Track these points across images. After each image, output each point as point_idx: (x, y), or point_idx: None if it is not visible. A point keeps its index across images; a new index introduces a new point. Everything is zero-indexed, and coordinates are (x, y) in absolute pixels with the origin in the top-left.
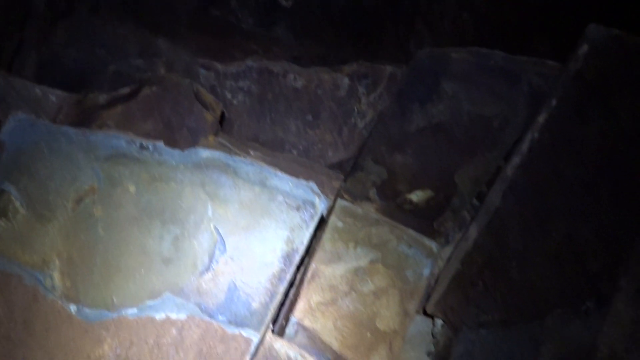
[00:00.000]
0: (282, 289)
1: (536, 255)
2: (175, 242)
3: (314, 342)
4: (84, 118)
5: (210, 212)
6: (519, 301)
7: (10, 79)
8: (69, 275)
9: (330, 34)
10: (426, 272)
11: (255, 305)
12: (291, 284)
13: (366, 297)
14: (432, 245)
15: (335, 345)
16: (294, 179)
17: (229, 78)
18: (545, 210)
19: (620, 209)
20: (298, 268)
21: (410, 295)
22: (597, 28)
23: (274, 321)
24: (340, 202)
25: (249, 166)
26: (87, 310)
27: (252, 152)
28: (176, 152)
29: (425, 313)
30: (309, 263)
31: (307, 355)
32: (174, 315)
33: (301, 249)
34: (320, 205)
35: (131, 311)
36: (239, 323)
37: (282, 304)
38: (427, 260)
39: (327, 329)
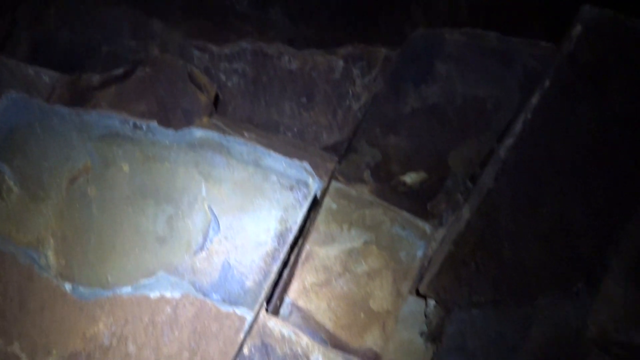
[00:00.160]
0: (275, 267)
1: (528, 236)
2: (169, 222)
3: (308, 322)
4: (78, 99)
5: (204, 192)
6: (510, 282)
7: (2, 59)
8: (63, 254)
9: (325, 16)
10: (419, 253)
11: (249, 284)
12: (285, 265)
13: (360, 278)
14: (426, 226)
15: (329, 325)
16: (287, 159)
17: (223, 60)
18: (537, 191)
19: (611, 190)
20: (292, 248)
21: (404, 276)
22: (591, 9)
23: (268, 301)
24: (335, 184)
25: (243, 146)
26: (82, 289)
27: (246, 134)
28: (170, 132)
29: (418, 293)
30: (303, 244)
31: (300, 333)
32: (168, 294)
33: (294, 229)
34: (314, 185)
35: (126, 290)
36: (233, 301)
37: (276, 285)
38: (421, 241)
39: (321, 309)
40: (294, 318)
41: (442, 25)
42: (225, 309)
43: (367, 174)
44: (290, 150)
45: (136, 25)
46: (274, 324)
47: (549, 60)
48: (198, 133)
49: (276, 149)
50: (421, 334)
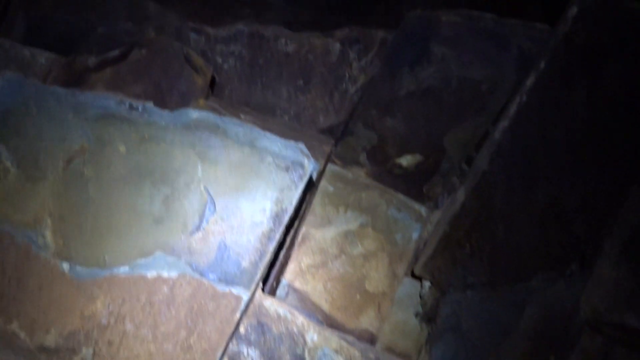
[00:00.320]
0: (271, 248)
1: (522, 218)
2: (165, 202)
3: (304, 304)
4: (73, 80)
5: (200, 173)
6: (504, 263)
7: None
8: (60, 233)
9: None
10: (415, 235)
11: (245, 264)
12: (281, 246)
13: (356, 260)
14: (421, 209)
15: (325, 306)
16: (283, 140)
17: (220, 42)
18: (531, 173)
19: (606, 173)
20: (288, 229)
21: (399, 258)
22: None
23: (265, 283)
24: (331, 167)
25: (239, 127)
26: (79, 269)
27: (242, 117)
28: (166, 113)
29: (413, 275)
30: (299, 227)
31: (296, 312)
32: (165, 274)
33: (290, 209)
34: (309, 166)
35: (123, 269)
36: (229, 281)
37: (272, 266)
38: (416, 224)
39: (317, 290)
40: (290, 299)
41: (438, 7)
42: (222, 288)
43: (363, 157)
44: (287, 132)
45: (132, 7)
46: (270, 304)
47: (544, 42)
48: (194, 114)
49: (272, 131)
50: (416, 315)
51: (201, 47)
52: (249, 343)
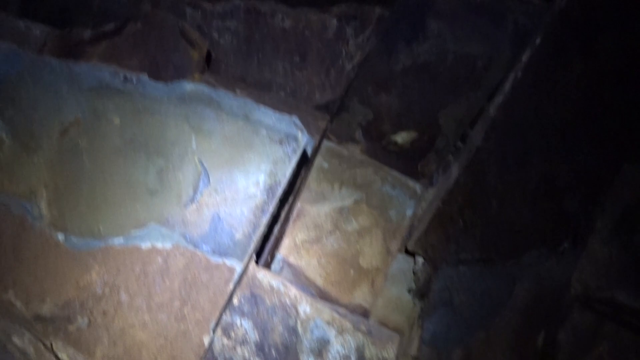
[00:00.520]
0: (264, 220)
1: (515, 194)
2: (160, 174)
3: (298, 278)
4: (68, 53)
5: (194, 145)
6: (497, 239)
7: None
8: (56, 204)
9: None
10: (409, 212)
11: (238, 236)
12: (276, 221)
13: (350, 236)
14: (416, 186)
15: (319, 281)
16: (277, 113)
17: (216, 17)
18: (525, 150)
19: (598, 150)
20: (282, 204)
21: (393, 234)
22: None
23: (259, 257)
24: (326, 143)
25: (233, 100)
26: (74, 239)
27: (238, 92)
28: (160, 85)
29: (407, 251)
30: (294, 202)
31: (289, 284)
32: (159, 245)
33: (284, 182)
34: (303, 139)
35: (118, 240)
36: (222, 253)
37: (267, 241)
38: (411, 200)
39: (311, 265)
40: (284, 274)
41: None
42: (215, 260)
43: (358, 133)
44: (283, 108)
45: None
46: (263, 276)
47: (540, 18)
48: (188, 86)
49: (267, 106)
50: (409, 290)
51: (197, 22)
52: (242, 314)
